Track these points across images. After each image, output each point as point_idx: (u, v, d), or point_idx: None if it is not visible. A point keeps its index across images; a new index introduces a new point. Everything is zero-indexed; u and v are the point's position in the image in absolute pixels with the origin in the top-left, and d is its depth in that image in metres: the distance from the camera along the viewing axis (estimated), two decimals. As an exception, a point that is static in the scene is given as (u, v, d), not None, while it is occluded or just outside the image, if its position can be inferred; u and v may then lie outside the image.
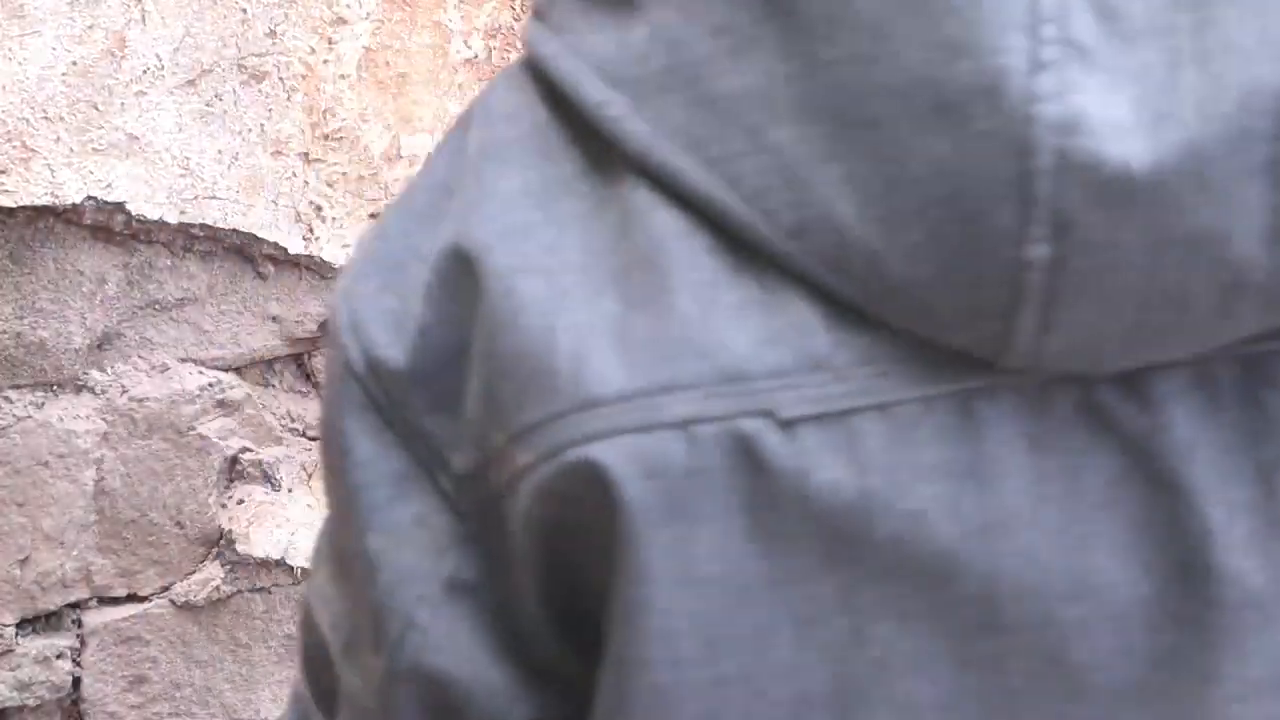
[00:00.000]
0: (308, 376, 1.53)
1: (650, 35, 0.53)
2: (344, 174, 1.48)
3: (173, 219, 1.37)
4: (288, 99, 1.42)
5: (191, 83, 1.36)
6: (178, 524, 1.44)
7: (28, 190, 1.27)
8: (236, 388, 1.46)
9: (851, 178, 0.50)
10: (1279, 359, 0.54)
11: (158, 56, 1.33)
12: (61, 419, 1.35)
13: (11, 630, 1.35)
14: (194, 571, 1.46)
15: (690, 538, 0.52)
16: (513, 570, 0.55)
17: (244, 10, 1.38)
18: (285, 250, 1.45)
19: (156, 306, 1.40)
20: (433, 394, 0.56)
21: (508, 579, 0.56)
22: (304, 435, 1.52)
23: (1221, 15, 0.50)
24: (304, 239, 1.46)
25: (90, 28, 1.29)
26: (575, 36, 0.56)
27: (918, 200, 0.50)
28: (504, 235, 0.54)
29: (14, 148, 1.26)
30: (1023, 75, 0.48)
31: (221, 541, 1.47)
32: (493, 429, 0.54)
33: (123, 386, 1.38)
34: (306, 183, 1.45)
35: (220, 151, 1.39)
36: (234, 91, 1.39)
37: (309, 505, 1.52)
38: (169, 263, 1.39)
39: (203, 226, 1.39)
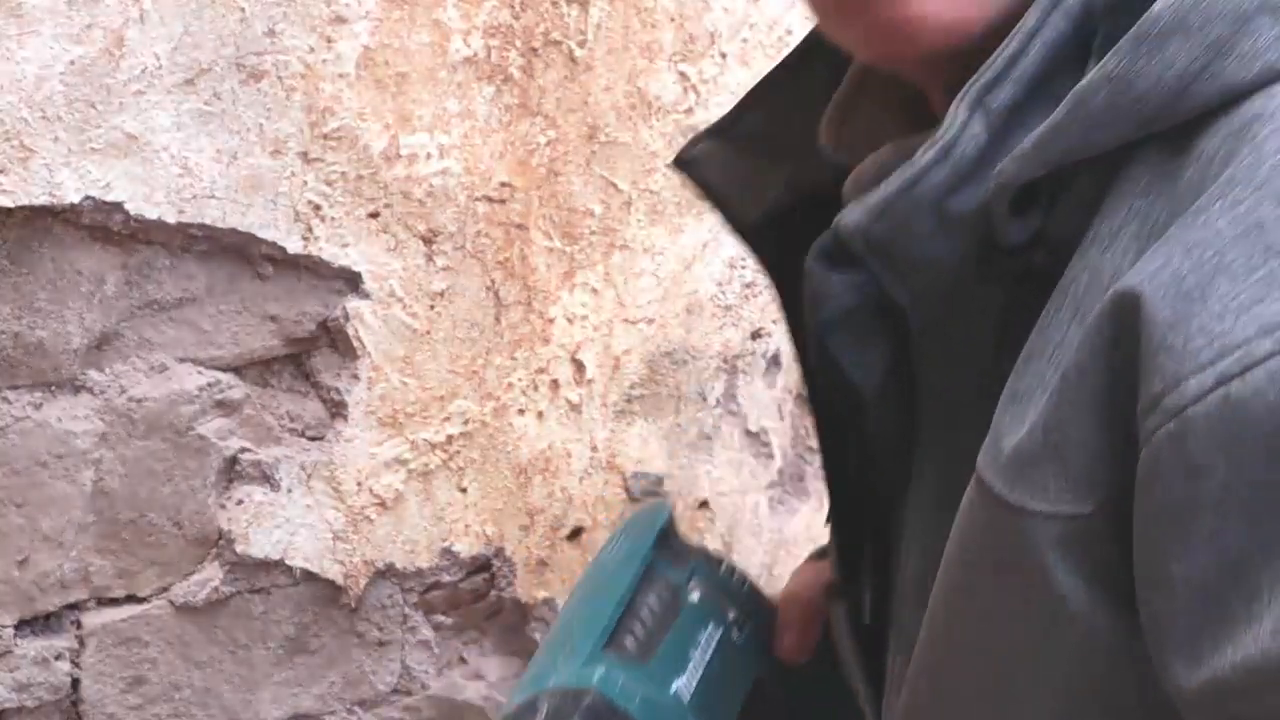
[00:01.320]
0: (307, 376, 1.52)
1: None
2: (343, 173, 1.48)
3: (171, 219, 1.36)
4: (286, 98, 1.42)
5: (190, 82, 1.36)
6: (176, 524, 1.43)
7: (26, 190, 1.27)
8: (235, 388, 1.46)
9: None
10: None
11: (156, 56, 1.33)
12: (60, 419, 1.34)
13: (10, 631, 1.35)
14: (193, 572, 1.46)
15: None
16: None
17: (242, 9, 1.38)
18: (284, 250, 1.45)
19: (155, 306, 1.39)
20: None
21: None
22: (303, 435, 1.52)
23: None
24: (303, 239, 1.46)
25: (88, 27, 1.29)
26: None
27: None
28: None
29: (12, 147, 1.26)
30: None
31: (221, 542, 1.47)
32: None
33: (121, 387, 1.38)
34: (305, 182, 1.45)
35: (219, 151, 1.38)
36: (232, 91, 1.39)
37: (308, 505, 1.52)
38: (167, 263, 1.39)
39: (201, 226, 1.39)
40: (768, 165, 0.93)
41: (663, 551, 1.14)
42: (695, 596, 1.13)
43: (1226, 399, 0.58)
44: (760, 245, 0.95)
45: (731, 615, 1.14)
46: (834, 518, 0.90)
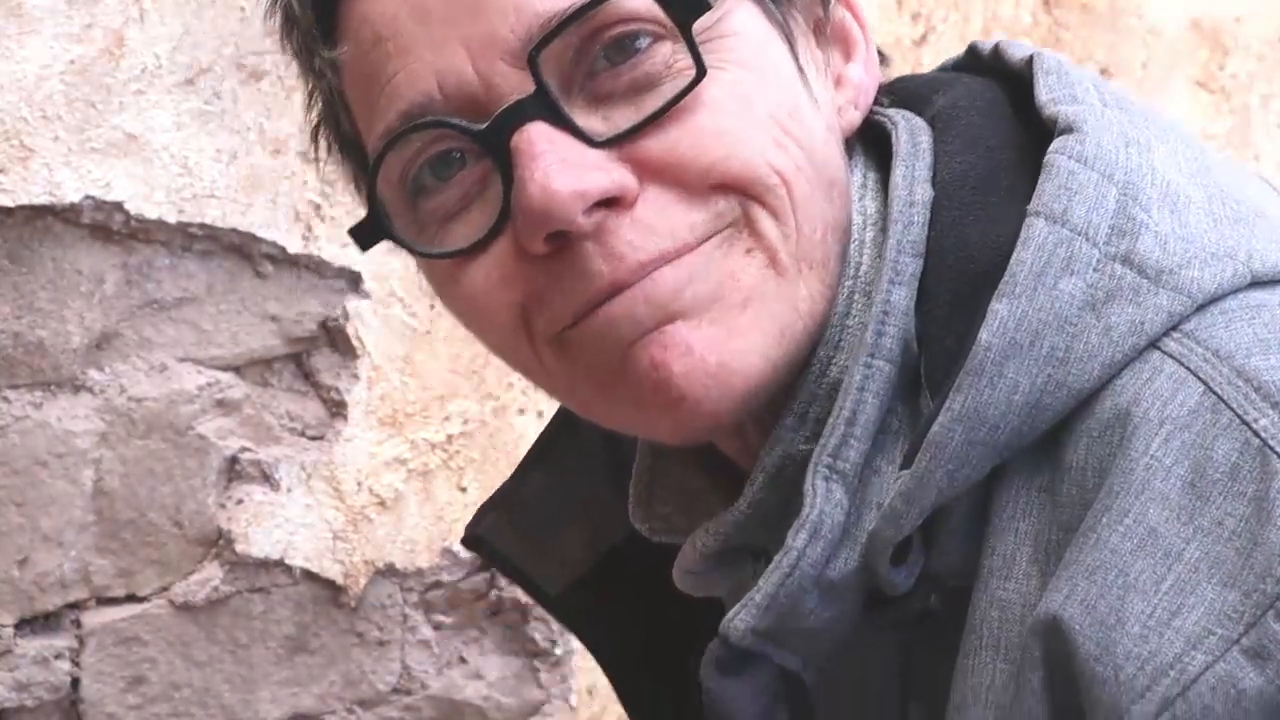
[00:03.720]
0: (307, 376, 1.52)
1: None
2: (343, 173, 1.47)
3: (171, 218, 1.36)
4: (286, 98, 1.42)
5: (190, 81, 1.36)
6: (176, 524, 1.43)
7: (26, 189, 1.27)
8: (235, 387, 1.46)
9: None
10: None
11: (156, 55, 1.33)
12: (60, 419, 1.34)
13: (10, 631, 1.35)
14: (193, 572, 1.46)
15: None
16: None
17: (242, 9, 1.38)
18: (284, 249, 1.44)
19: (155, 306, 1.39)
20: None
21: None
22: (303, 435, 1.52)
23: None
24: (303, 238, 1.46)
25: (88, 26, 1.29)
26: None
27: None
28: None
29: (12, 147, 1.26)
30: None
31: (220, 541, 1.47)
32: None
33: (121, 386, 1.38)
34: (305, 182, 1.45)
35: (219, 150, 1.38)
36: (232, 90, 1.39)
37: (308, 505, 1.52)
38: (167, 262, 1.39)
39: (201, 226, 1.39)
40: (560, 527, 0.93)
41: None
42: None
43: None
44: (565, 614, 0.96)
45: None
46: None
